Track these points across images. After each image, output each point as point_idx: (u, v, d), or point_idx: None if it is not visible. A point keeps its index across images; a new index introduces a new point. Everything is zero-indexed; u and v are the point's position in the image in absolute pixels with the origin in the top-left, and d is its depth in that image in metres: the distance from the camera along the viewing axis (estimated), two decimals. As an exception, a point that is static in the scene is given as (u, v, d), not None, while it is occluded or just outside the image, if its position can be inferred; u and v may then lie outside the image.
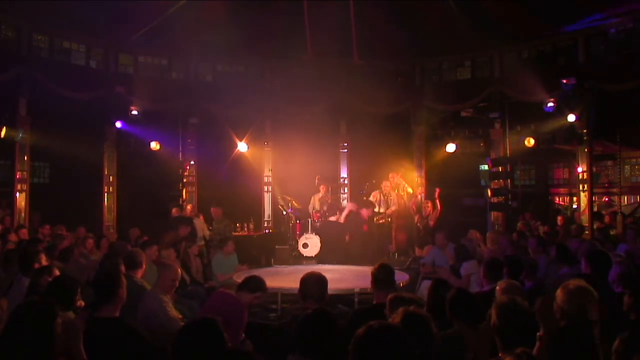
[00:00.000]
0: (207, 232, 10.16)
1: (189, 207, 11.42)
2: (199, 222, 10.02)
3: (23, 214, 10.11)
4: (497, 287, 4.06)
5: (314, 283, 3.71)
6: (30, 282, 4.37)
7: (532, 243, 7.08)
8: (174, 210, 10.69)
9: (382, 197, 11.62)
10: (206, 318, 2.69)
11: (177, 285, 4.79)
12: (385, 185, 11.64)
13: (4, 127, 9.68)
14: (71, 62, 10.96)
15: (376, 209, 11.62)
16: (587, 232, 9.89)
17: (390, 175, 12.06)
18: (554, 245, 6.65)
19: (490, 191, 11.33)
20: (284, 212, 12.07)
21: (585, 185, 10.72)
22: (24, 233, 8.72)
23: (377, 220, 11.55)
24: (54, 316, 2.82)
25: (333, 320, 2.81)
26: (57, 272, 4.39)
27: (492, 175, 11.79)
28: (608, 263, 4.72)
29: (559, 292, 3.29)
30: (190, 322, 2.64)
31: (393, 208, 11.56)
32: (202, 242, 9.58)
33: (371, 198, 11.73)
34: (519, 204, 12.23)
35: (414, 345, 2.23)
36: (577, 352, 3.05)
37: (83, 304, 3.80)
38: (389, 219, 11.54)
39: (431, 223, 10.45)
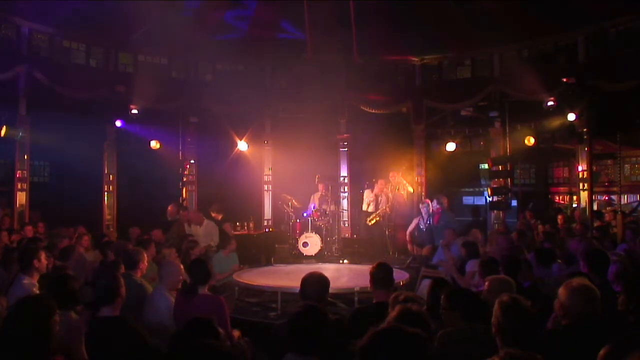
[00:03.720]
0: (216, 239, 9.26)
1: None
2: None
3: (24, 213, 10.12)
4: (486, 282, 4.06)
5: (315, 284, 3.70)
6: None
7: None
8: (170, 207, 10.66)
9: (374, 197, 11.61)
10: (201, 318, 2.68)
11: (181, 283, 4.81)
12: (381, 183, 11.64)
13: (4, 126, 9.68)
14: (71, 61, 10.94)
15: (367, 208, 11.64)
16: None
17: (390, 175, 12.07)
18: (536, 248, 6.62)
19: (490, 190, 11.32)
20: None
21: (585, 184, 10.73)
22: (30, 230, 8.72)
23: (369, 221, 11.55)
24: (52, 313, 2.83)
25: (323, 316, 2.81)
26: (69, 272, 4.41)
27: (492, 174, 11.79)
28: (606, 262, 4.72)
29: (561, 291, 3.28)
30: (186, 323, 2.63)
31: (383, 208, 11.54)
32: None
33: (365, 197, 11.74)
34: (518, 203, 12.24)
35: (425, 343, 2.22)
36: (580, 350, 3.06)
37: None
38: (380, 219, 11.52)
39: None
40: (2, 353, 2.73)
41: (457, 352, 3.24)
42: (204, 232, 9.19)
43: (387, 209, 11.58)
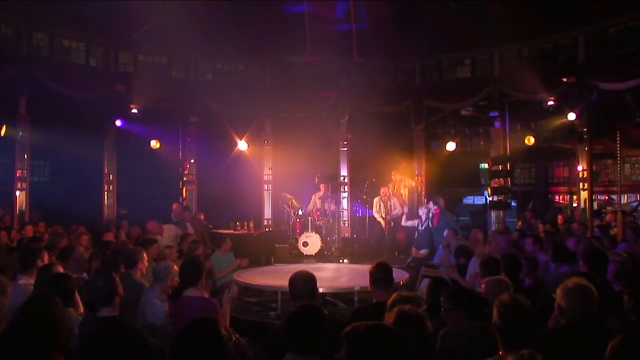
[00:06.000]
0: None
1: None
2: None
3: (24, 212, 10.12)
4: (483, 285, 4.07)
5: (303, 282, 3.69)
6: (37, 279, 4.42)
7: (529, 242, 7.08)
8: (174, 206, 10.71)
9: (381, 203, 11.61)
10: (204, 318, 2.67)
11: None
12: (384, 191, 11.64)
13: (4, 126, 9.68)
14: (71, 60, 10.95)
15: (378, 217, 11.65)
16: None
17: (392, 174, 12.08)
18: (552, 244, 6.63)
19: (491, 190, 11.33)
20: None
21: (585, 184, 10.73)
22: (29, 230, 8.72)
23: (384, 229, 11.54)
24: (62, 311, 2.87)
25: (320, 314, 2.81)
26: (60, 269, 4.42)
27: (492, 174, 11.79)
28: (605, 261, 4.73)
29: (558, 291, 3.30)
30: (188, 323, 2.63)
31: (395, 212, 11.52)
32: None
33: (374, 205, 11.75)
34: (518, 203, 12.24)
35: (408, 344, 2.24)
36: (579, 349, 3.07)
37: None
38: (388, 224, 11.51)
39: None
40: (10, 351, 2.75)
41: (462, 351, 3.25)
42: (167, 238, 8.61)
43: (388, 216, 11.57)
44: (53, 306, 2.89)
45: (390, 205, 11.52)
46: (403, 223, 11.41)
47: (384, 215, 11.49)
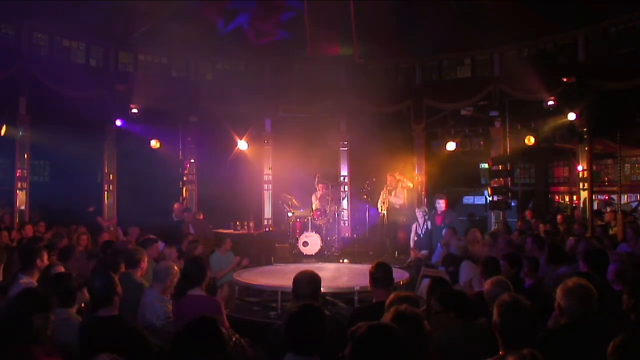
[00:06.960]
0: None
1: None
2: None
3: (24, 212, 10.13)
4: (485, 285, 4.08)
5: (306, 282, 3.69)
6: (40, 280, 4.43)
7: (529, 242, 7.07)
8: (175, 205, 10.72)
9: (387, 193, 11.64)
10: (204, 317, 2.67)
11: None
12: (390, 179, 11.67)
13: (4, 125, 9.68)
14: (71, 60, 10.93)
15: (380, 206, 11.67)
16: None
17: (389, 175, 12.09)
18: (547, 245, 6.61)
19: (491, 189, 11.33)
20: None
21: (585, 184, 10.72)
22: (29, 230, 8.73)
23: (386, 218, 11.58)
24: (37, 309, 2.96)
25: (320, 315, 2.81)
26: (61, 269, 4.43)
27: (492, 174, 11.79)
28: (605, 261, 4.73)
29: (558, 291, 3.31)
30: (188, 323, 2.63)
31: (396, 199, 11.54)
32: None
33: (381, 195, 11.78)
34: (518, 203, 12.23)
35: (409, 343, 2.24)
36: (578, 349, 3.07)
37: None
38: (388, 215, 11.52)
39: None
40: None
41: (462, 351, 3.25)
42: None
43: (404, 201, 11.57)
44: (32, 301, 2.97)
45: (395, 192, 11.54)
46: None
47: (385, 204, 11.52)
